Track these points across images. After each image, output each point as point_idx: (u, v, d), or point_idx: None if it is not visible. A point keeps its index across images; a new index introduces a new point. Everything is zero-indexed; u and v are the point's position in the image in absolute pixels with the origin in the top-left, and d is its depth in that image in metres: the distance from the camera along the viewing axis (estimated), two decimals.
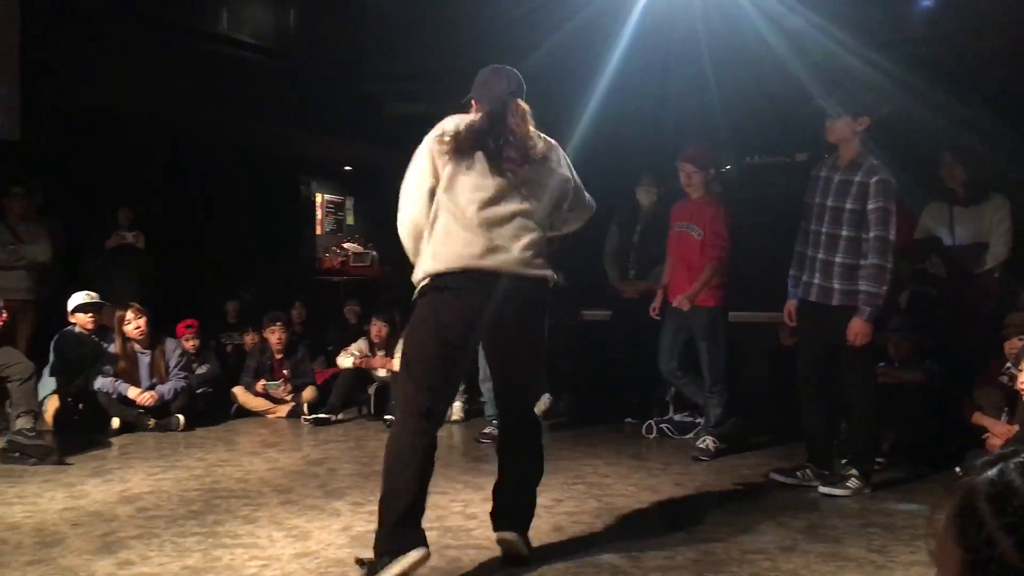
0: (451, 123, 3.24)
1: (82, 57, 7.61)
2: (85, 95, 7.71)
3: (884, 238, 4.32)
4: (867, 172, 4.37)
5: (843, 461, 4.61)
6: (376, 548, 3.06)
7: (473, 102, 3.36)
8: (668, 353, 5.51)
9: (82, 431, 5.91)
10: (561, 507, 4.12)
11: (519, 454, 3.42)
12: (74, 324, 6.39)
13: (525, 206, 3.23)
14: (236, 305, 8.34)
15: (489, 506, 3.49)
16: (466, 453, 5.64)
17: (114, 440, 5.90)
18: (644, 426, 6.02)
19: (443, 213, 3.16)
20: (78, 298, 6.40)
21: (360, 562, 3.13)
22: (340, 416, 6.71)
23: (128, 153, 8.20)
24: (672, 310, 5.49)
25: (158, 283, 7.66)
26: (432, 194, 3.18)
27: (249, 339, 7.60)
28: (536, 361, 3.42)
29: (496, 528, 3.41)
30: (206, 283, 8.50)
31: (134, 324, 6.37)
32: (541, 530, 3.71)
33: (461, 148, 3.17)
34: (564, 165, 3.38)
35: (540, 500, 3.56)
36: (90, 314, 6.39)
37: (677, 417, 6.11)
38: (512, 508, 3.43)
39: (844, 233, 4.42)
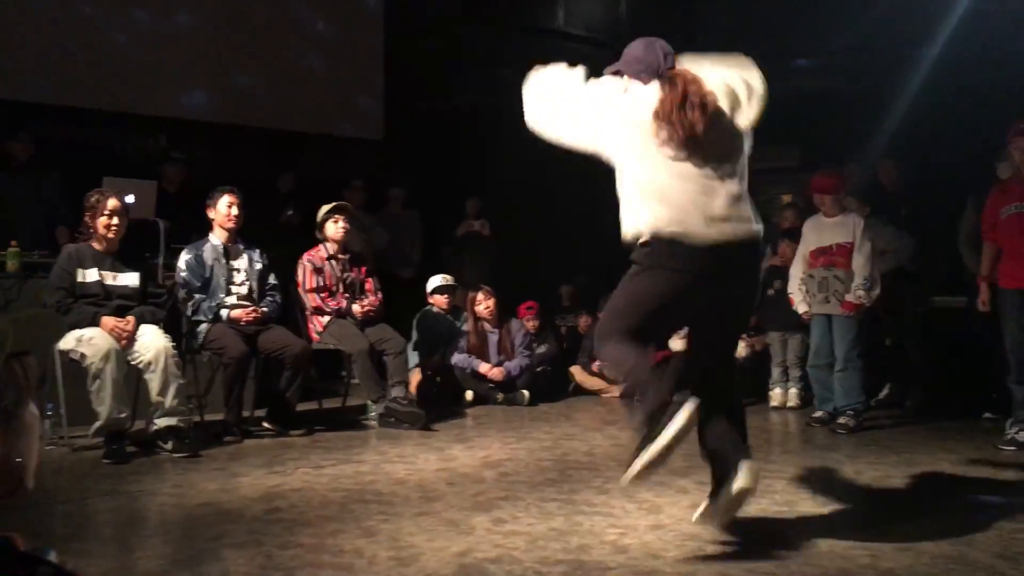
0: None
1: (437, 62, 8.36)
2: (440, 96, 8.46)
3: None
4: None
5: None
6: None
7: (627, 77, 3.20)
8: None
9: (440, 402, 6.55)
10: (921, 501, 3.92)
11: None
12: (432, 305, 7.07)
13: None
14: (570, 289, 8.74)
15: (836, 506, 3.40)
16: (808, 440, 5.54)
17: (468, 411, 6.47)
18: (1009, 422, 5.50)
19: None
20: (436, 281, 7.07)
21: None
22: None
23: (475, 147, 8.86)
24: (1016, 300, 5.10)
25: (502, 267, 8.22)
26: None
27: (583, 321, 7.94)
28: None
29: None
30: (542, 267, 8.98)
31: (484, 305, 6.93)
32: (901, 523, 3.57)
33: None
34: None
35: (899, 495, 3.42)
36: (446, 296, 7.04)
37: None
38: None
39: None
